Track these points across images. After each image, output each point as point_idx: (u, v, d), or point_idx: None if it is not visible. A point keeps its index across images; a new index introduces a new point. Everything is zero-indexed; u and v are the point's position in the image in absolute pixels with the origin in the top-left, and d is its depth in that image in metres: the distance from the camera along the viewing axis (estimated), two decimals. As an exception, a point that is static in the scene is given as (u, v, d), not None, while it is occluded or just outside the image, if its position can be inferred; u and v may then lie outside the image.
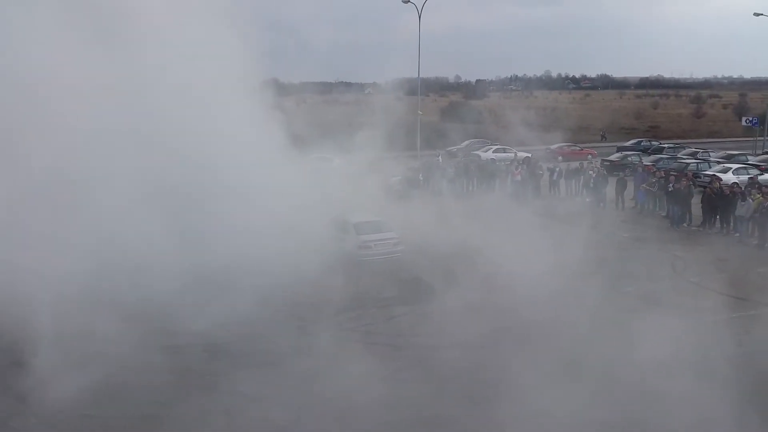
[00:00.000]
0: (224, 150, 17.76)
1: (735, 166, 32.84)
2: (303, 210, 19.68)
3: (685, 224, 23.31)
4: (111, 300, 13.48)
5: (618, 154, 39.38)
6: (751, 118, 49.76)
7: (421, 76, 40.21)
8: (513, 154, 36.41)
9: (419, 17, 37.09)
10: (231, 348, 12.72)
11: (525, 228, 20.88)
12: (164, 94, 17.13)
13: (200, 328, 13.20)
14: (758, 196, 21.36)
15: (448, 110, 46.53)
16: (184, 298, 13.95)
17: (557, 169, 29.52)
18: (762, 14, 43.75)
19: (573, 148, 40.96)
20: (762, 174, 30.52)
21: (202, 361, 12.18)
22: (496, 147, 38.51)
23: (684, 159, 36.45)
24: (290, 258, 16.89)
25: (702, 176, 29.91)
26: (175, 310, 13.52)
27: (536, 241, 18.78)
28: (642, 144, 47.38)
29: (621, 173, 30.78)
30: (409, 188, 27.14)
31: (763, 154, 40.70)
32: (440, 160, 32.52)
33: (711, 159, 36.77)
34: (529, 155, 35.72)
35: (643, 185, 26.03)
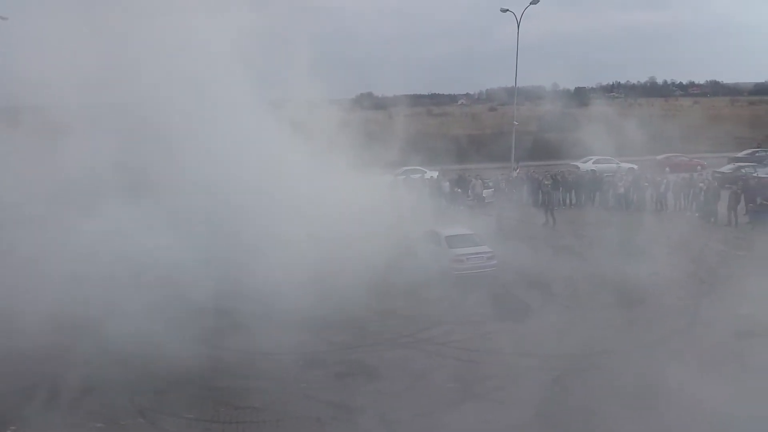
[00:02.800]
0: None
1: None
2: (393, 223, 19.87)
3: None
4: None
5: (730, 166, 36.67)
6: None
7: (518, 85, 39.26)
8: (615, 165, 34.79)
9: (518, 25, 36.38)
10: (326, 358, 12.89)
11: (627, 245, 19.93)
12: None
13: (296, 337, 13.52)
14: None
15: (545, 120, 45.18)
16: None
17: (664, 181, 27.85)
18: None
19: (681, 158, 38.58)
20: None
21: (297, 369, 12.39)
22: (596, 158, 36.94)
23: (806, 171, 33.32)
24: (381, 270, 17.05)
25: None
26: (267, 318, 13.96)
27: (642, 259, 17.87)
28: (757, 154, 43.79)
29: (734, 186, 28.58)
30: (498, 201, 26.59)
31: None
32: (517, 174, 31.72)
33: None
34: (634, 166, 34.03)
35: (759, 199, 24.08)
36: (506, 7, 36.41)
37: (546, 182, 26.87)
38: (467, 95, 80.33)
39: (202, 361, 12.48)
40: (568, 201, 29.05)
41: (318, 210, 17.65)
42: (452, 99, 79.76)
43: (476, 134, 49.07)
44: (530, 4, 35.66)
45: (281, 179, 17.91)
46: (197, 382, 11.71)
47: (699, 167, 36.35)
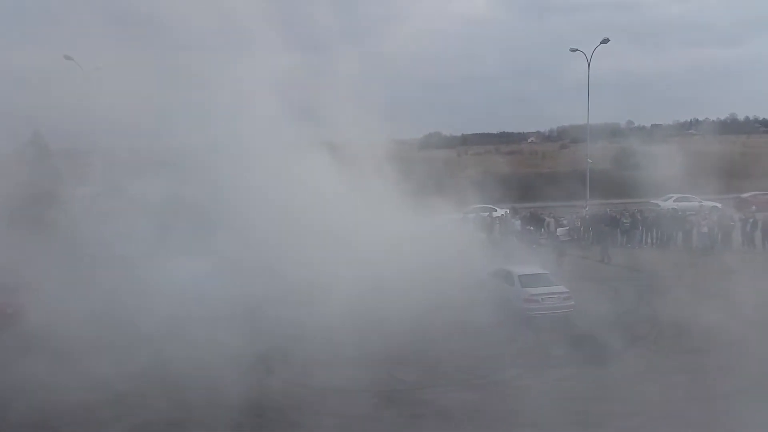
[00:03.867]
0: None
1: None
2: (463, 261, 19.69)
3: None
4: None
5: (823, 204, 34.35)
6: None
7: (590, 122, 38.69)
8: (698, 204, 33.33)
9: (588, 64, 36.05)
10: (401, 397, 12.75)
11: (714, 286, 18.93)
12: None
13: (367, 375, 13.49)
14: None
15: (619, 157, 43.98)
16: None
17: (751, 220, 26.38)
18: None
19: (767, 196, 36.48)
20: None
21: (369, 407, 12.30)
22: (677, 196, 35.47)
23: None
24: (451, 309, 16.87)
25: None
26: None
27: (730, 302, 16.93)
28: None
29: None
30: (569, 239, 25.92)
31: None
32: (587, 211, 30.94)
33: None
34: (718, 205, 32.51)
35: None
36: (575, 47, 36.25)
37: (625, 221, 26.08)
38: (537, 133, 79.56)
39: (276, 396, 12.59)
40: (649, 240, 27.99)
41: (385, 248, 17.70)
42: (522, 137, 79.18)
43: (547, 172, 48.42)
44: (600, 43, 35.40)
45: (344, 218, 18.09)
46: (272, 416, 11.83)
47: (788, 206, 34.27)
